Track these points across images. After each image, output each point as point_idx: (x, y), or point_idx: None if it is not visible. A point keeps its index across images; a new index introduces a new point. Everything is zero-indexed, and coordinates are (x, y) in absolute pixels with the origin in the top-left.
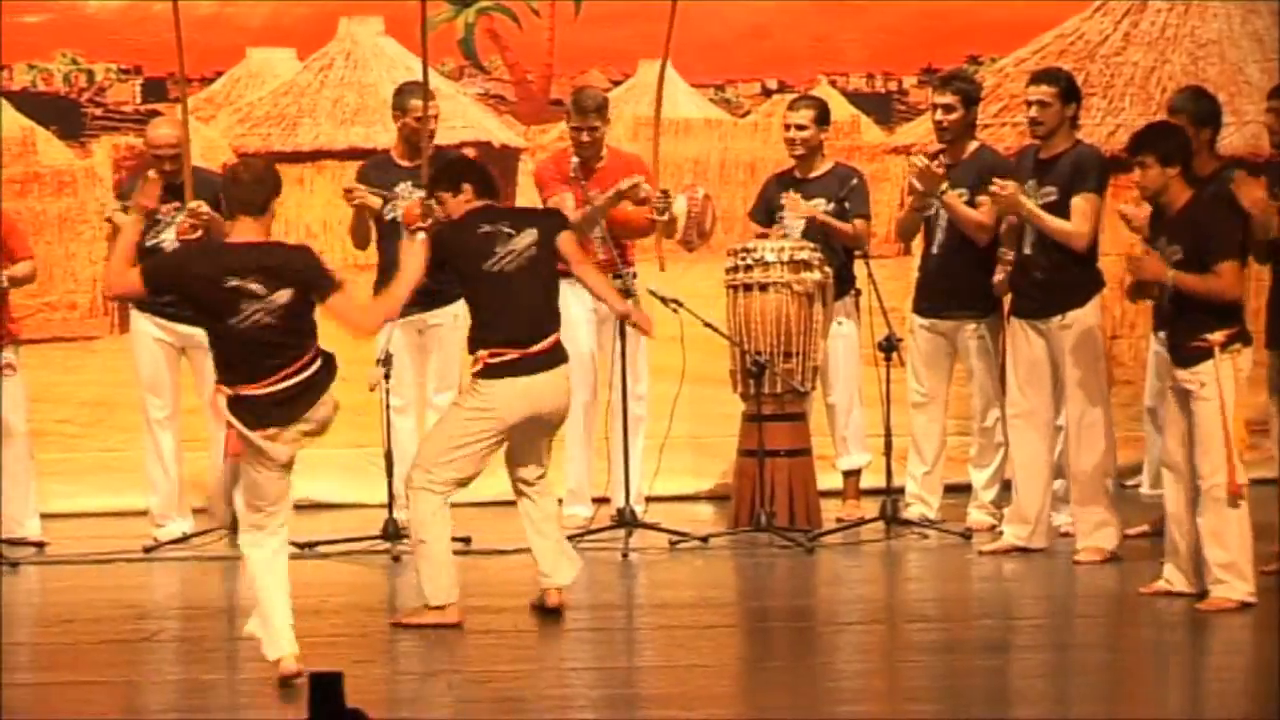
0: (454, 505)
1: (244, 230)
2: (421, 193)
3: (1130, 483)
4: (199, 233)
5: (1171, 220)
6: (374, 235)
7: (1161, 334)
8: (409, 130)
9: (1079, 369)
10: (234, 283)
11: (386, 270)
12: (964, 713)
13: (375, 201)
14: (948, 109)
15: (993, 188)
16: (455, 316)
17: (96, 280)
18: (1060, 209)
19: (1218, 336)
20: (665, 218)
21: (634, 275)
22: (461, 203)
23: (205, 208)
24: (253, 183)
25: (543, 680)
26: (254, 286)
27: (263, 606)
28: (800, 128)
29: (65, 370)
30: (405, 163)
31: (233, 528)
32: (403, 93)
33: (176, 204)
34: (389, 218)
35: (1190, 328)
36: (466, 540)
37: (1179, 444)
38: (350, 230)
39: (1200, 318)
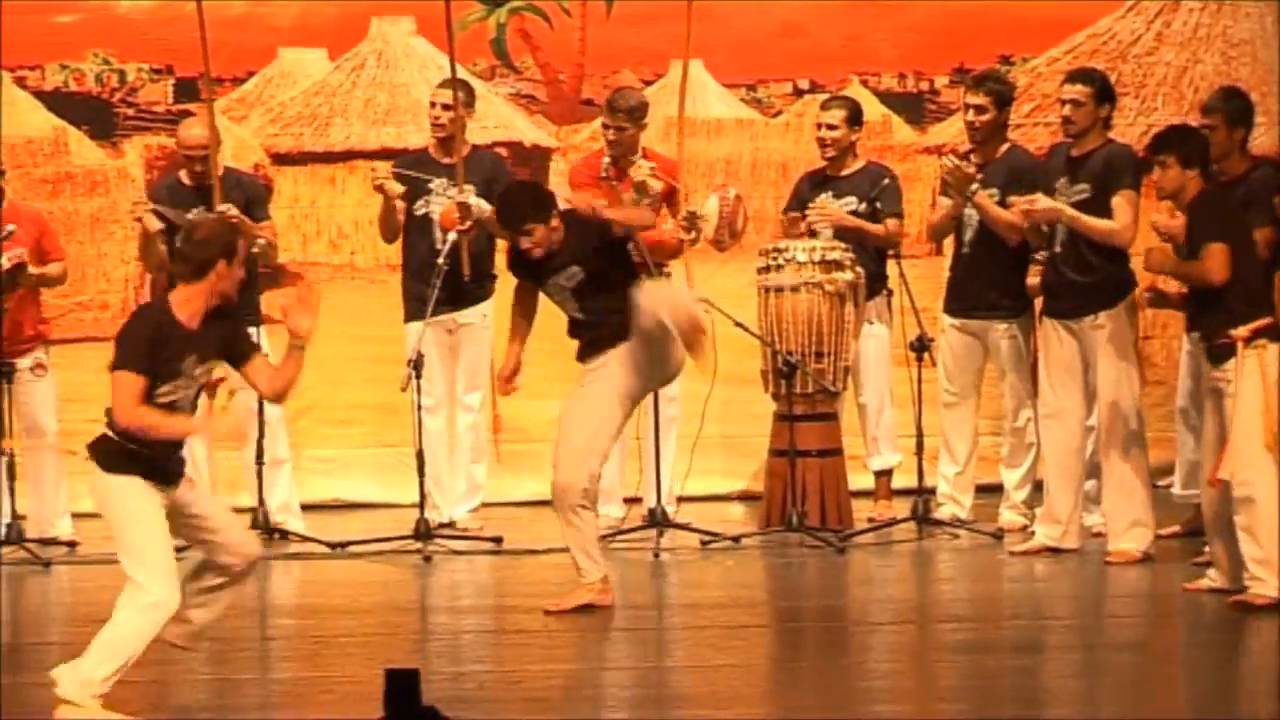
0: (485, 505)
1: (182, 295)
2: (461, 191)
3: (1162, 483)
4: None
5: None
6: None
7: (1193, 334)
8: (432, 119)
9: (1111, 369)
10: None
11: (413, 267)
12: (995, 713)
13: (396, 188)
14: (979, 109)
15: (1024, 205)
16: (484, 316)
17: (128, 280)
18: (1093, 206)
19: (1242, 331)
20: (692, 236)
21: (666, 276)
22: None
23: (234, 211)
24: (198, 244)
25: (574, 680)
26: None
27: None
28: (831, 128)
29: (97, 370)
30: (440, 159)
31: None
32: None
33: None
34: (420, 213)
35: (1219, 325)
36: (498, 540)
37: (1213, 444)
38: (379, 221)
39: (1228, 315)
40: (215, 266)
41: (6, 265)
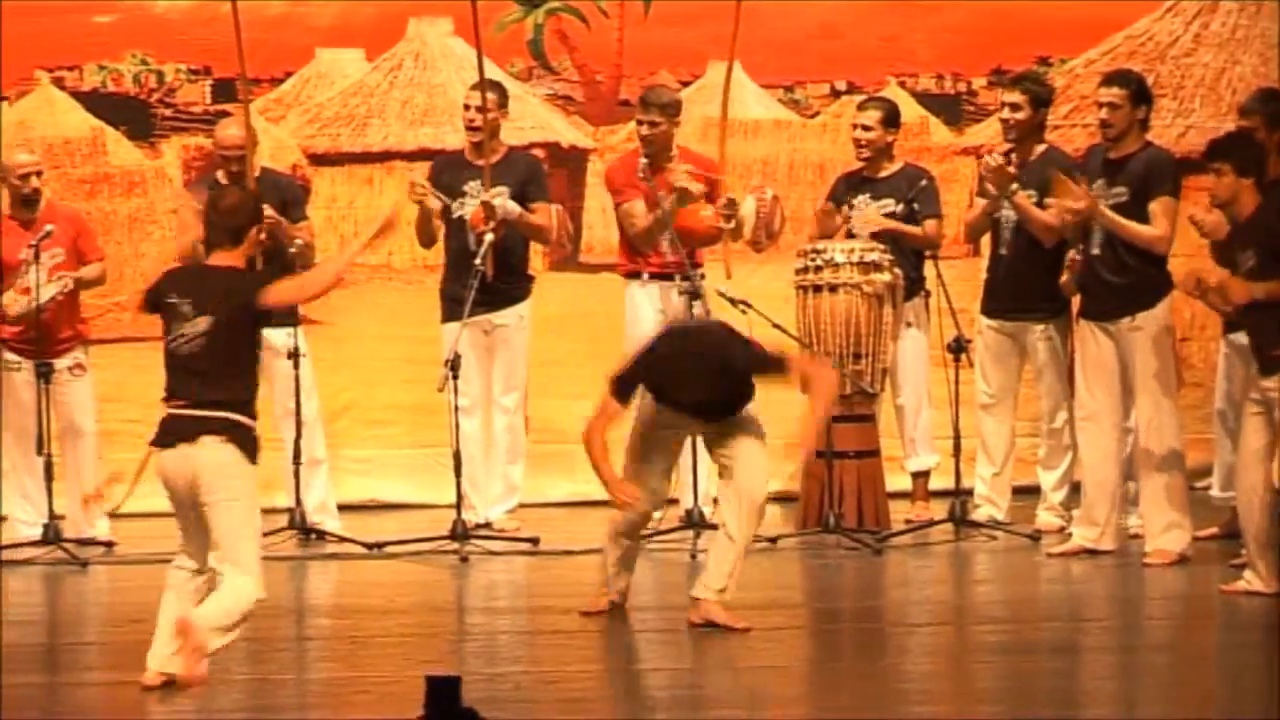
0: (523, 506)
1: (223, 260)
2: (489, 195)
3: (1200, 485)
4: (263, 238)
5: (1242, 227)
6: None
7: (1231, 336)
8: (466, 122)
9: (1148, 370)
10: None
11: (453, 266)
12: (1032, 714)
13: (434, 203)
14: (1015, 108)
15: (1068, 201)
16: (520, 317)
17: None
18: (1130, 209)
19: None
20: (731, 225)
21: (702, 276)
22: None
23: (270, 211)
24: (225, 213)
25: (611, 681)
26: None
27: None
28: (866, 129)
29: (135, 370)
30: (476, 161)
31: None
32: (473, 87)
33: None
34: (456, 215)
35: (1271, 336)
36: (534, 541)
37: (1259, 453)
38: (416, 228)
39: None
40: (249, 233)
41: (47, 298)
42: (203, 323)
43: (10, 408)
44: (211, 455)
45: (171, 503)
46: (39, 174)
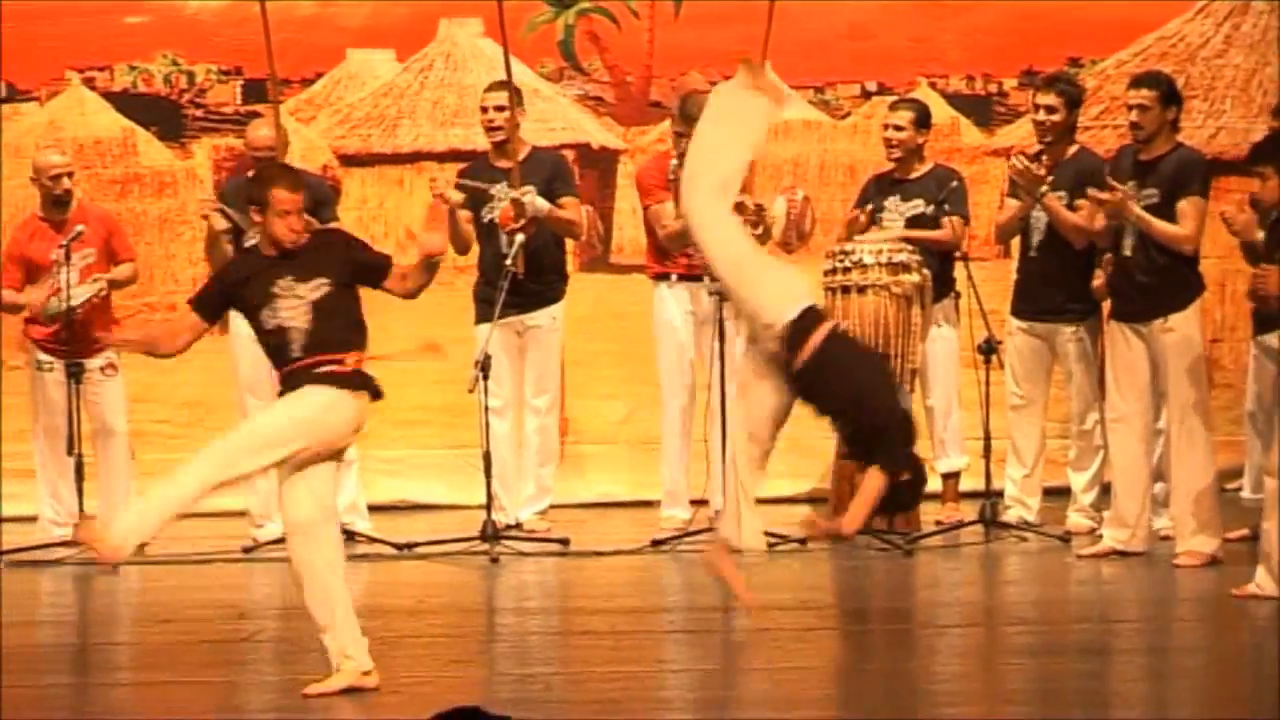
0: (553, 507)
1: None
2: (518, 192)
3: (1230, 486)
4: None
5: None
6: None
7: (1260, 338)
8: (485, 124)
9: (1179, 372)
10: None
11: (484, 271)
12: (1062, 716)
13: (456, 196)
14: (1050, 109)
15: (1102, 194)
16: (553, 318)
17: (196, 281)
18: (1162, 211)
19: None
20: (759, 231)
21: None
22: None
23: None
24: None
25: (640, 682)
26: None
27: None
28: (898, 129)
29: (164, 371)
30: (500, 163)
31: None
32: (488, 89)
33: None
34: (486, 219)
35: None
36: (565, 542)
37: None
38: (449, 236)
39: None
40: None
41: (81, 300)
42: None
43: (42, 408)
44: None
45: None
46: (70, 175)
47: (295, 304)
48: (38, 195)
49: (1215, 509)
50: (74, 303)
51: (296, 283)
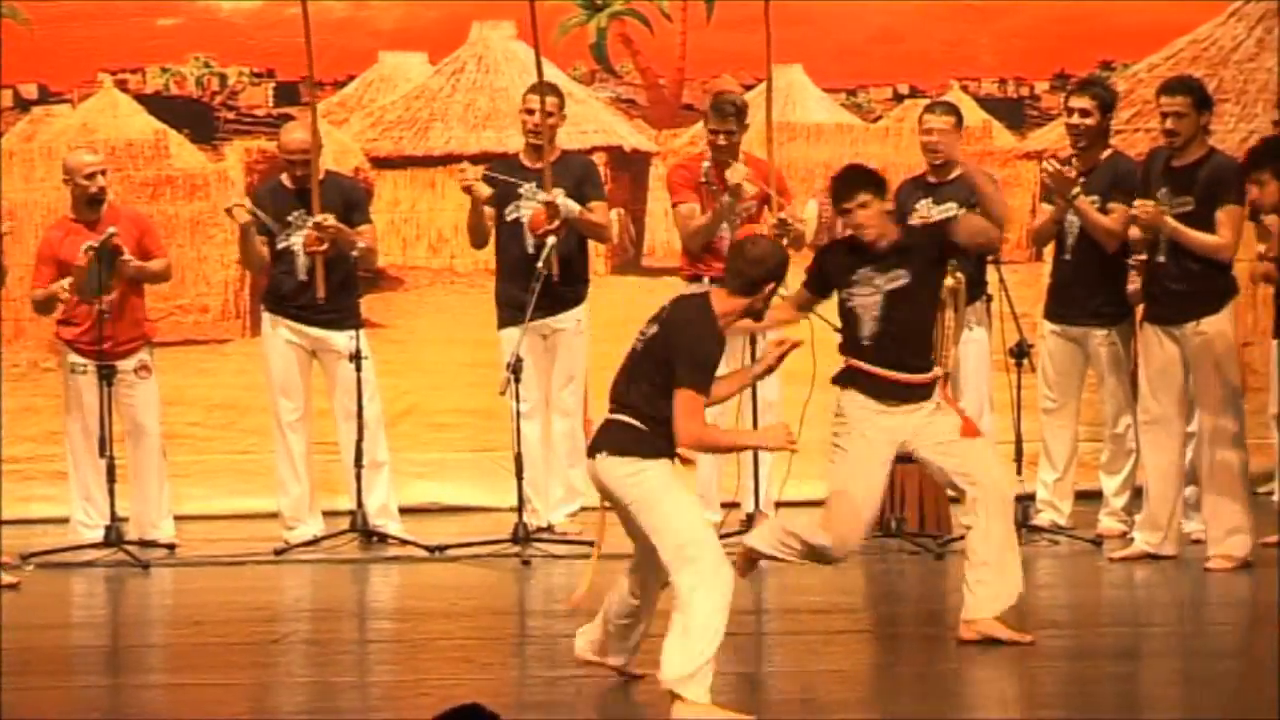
0: (584, 509)
1: (723, 304)
2: (550, 195)
3: (1263, 489)
4: (325, 245)
5: None
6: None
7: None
8: (527, 126)
9: (1212, 375)
10: None
11: (506, 273)
12: (1094, 719)
13: (484, 189)
14: (1084, 113)
15: (1134, 210)
16: (578, 321)
17: (228, 283)
18: (1197, 219)
19: None
20: (784, 243)
21: None
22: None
23: (331, 220)
24: (751, 261)
25: None
26: None
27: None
28: (943, 132)
29: (197, 373)
30: (531, 164)
31: None
32: (531, 90)
33: (304, 210)
34: (510, 218)
35: None
36: (590, 544)
37: None
38: (468, 227)
39: None
40: (762, 289)
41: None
42: None
43: (75, 410)
44: None
45: None
46: (104, 173)
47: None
48: (69, 196)
49: (1247, 513)
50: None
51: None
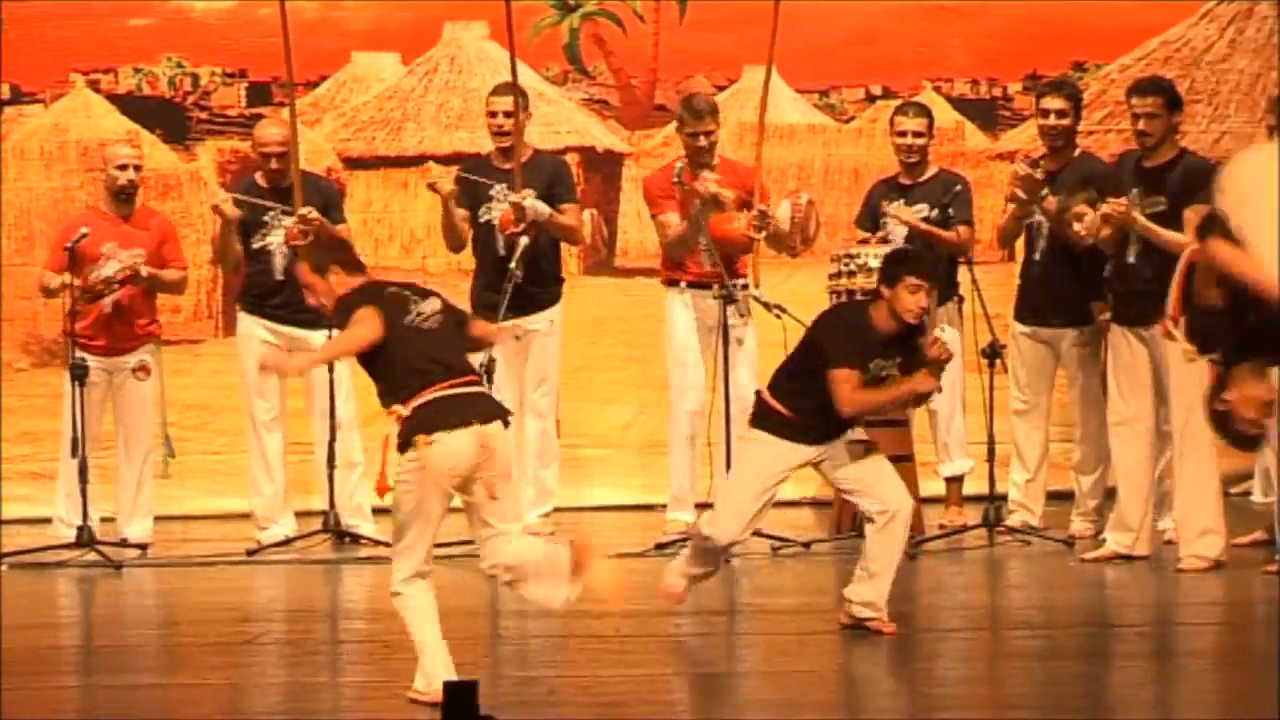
0: (557, 510)
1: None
2: (518, 195)
3: (1237, 490)
4: (308, 238)
5: None
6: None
7: None
8: (491, 128)
9: (1183, 375)
10: None
11: (483, 273)
12: None
13: (446, 185)
14: (1060, 114)
15: (1105, 209)
16: (550, 322)
17: (200, 283)
18: (1169, 219)
19: None
20: (762, 236)
21: (743, 287)
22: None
23: (314, 213)
24: None
25: (644, 685)
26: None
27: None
28: (917, 135)
29: (170, 373)
30: (502, 165)
31: None
32: (494, 92)
33: (283, 208)
34: (483, 220)
35: None
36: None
37: None
38: (443, 230)
39: None
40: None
41: (110, 271)
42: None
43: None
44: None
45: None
46: (137, 168)
47: None
48: (100, 188)
49: (1219, 512)
50: (108, 272)
51: None
